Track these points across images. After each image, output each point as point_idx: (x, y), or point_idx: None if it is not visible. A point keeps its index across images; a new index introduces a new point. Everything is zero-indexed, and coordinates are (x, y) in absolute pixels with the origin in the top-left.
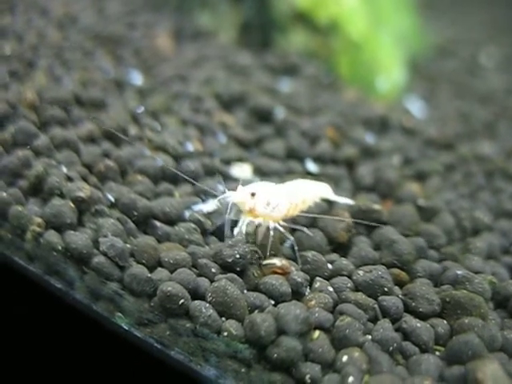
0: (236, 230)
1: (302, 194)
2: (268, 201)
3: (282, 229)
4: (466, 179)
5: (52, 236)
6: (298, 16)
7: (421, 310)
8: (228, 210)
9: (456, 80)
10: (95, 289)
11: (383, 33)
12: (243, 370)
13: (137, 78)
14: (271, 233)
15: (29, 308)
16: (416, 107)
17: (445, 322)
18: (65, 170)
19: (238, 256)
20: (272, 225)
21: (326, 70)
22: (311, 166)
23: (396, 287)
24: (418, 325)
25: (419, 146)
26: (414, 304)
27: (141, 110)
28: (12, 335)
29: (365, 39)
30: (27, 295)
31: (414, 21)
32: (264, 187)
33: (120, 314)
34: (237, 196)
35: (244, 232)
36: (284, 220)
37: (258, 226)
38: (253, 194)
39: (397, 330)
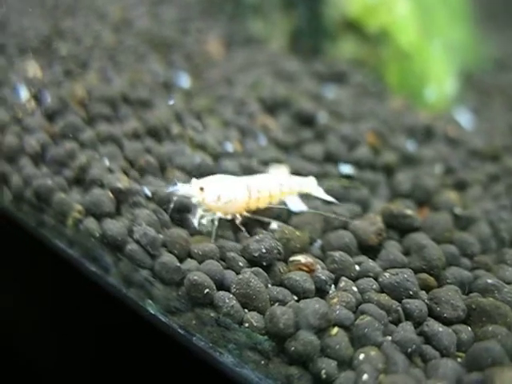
0: (195, 222)
1: (268, 187)
2: (218, 195)
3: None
4: (509, 190)
5: (91, 223)
6: (349, 24)
7: (445, 315)
8: (172, 203)
9: (511, 94)
10: (128, 275)
11: (435, 43)
12: (263, 362)
13: (185, 81)
14: (215, 223)
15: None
16: (465, 119)
17: (469, 328)
18: (107, 162)
19: (264, 251)
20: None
21: (374, 79)
22: (346, 169)
23: (423, 292)
24: (440, 329)
25: (463, 156)
26: (438, 309)
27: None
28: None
29: (415, 49)
30: (66, 276)
31: (470, 32)
32: (217, 181)
33: (150, 301)
34: (185, 189)
35: (197, 223)
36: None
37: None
38: (201, 189)
39: (419, 334)
